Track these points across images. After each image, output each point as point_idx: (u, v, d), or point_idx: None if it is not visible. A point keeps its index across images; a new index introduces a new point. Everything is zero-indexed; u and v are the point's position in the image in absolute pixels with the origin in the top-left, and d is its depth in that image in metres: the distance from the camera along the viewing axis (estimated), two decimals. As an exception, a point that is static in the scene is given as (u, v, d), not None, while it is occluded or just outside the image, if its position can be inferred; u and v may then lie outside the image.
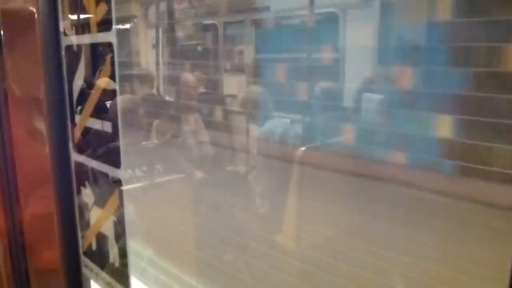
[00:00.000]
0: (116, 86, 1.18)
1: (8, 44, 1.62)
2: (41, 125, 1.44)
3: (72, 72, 1.34)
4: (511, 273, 0.96)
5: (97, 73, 1.27)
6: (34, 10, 1.31)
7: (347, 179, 1.68)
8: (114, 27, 1.15)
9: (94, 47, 1.30)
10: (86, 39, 1.27)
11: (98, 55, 1.36)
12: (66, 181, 1.38)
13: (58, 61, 1.29)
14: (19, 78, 1.64)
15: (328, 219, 1.71)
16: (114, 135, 1.23)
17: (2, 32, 1.61)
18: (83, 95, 1.32)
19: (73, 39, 1.33)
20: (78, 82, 1.31)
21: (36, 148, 1.56)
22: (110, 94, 1.25)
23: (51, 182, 1.41)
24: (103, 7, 1.20)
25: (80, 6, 1.27)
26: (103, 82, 1.22)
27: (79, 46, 1.31)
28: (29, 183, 1.76)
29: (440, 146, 1.47)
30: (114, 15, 1.14)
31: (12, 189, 1.80)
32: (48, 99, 1.33)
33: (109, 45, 1.17)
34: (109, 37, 1.15)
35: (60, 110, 1.31)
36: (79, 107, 1.35)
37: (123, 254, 1.33)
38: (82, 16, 1.27)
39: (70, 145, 1.35)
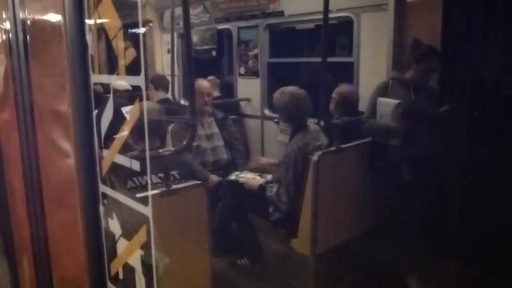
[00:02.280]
0: (145, 126, 1.20)
1: (34, 58, 1.66)
2: (67, 143, 1.46)
3: (100, 108, 1.37)
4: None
5: (126, 114, 1.29)
6: (62, 29, 1.33)
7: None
8: (143, 72, 1.16)
9: (122, 88, 1.33)
10: (114, 79, 1.29)
11: (126, 96, 1.40)
12: (93, 213, 1.39)
13: (87, 97, 1.31)
14: (45, 92, 1.67)
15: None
16: (143, 172, 1.26)
17: (28, 46, 1.65)
18: (111, 132, 1.34)
19: (102, 78, 1.35)
20: (106, 120, 1.33)
21: (62, 163, 1.58)
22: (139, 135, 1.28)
23: (78, 211, 1.43)
24: (132, 52, 1.22)
25: (109, 47, 1.29)
26: (130, 124, 1.24)
27: (107, 85, 1.34)
28: (55, 199, 1.78)
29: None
30: (143, 61, 1.15)
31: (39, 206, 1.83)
32: (77, 135, 1.34)
33: (138, 89, 1.18)
34: (138, 81, 1.15)
35: (89, 145, 1.32)
36: (107, 142, 1.37)
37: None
38: (111, 57, 1.30)
39: (98, 177, 1.37)
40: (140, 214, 1.26)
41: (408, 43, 3.02)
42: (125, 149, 1.27)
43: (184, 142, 1.95)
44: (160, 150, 2.10)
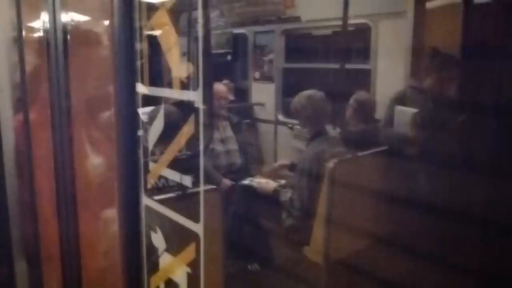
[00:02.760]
0: (200, 146, 1.16)
1: (74, 60, 1.63)
2: (109, 150, 1.42)
3: (151, 119, 1.32)
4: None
5: (179, 129, 1.23)
6: (108, 34, 1.30)
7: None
8: (201, 88, 1.09)
9: (175, 102, 1.29)
10: (167, 93, 1.24)
11: (180, 111, 1.34)
12: (134, 224, 1.35)
13: (132, 107, 1.26)
14: (84, 96, 1.64)
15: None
16: (195, 189, 1.22)
17: (69, 48, 1.61)
18: (160, 145, 1.29)
19: (152, 89, 1.29)
20: (155, 132, 1.28)
21: (101, 169, 1.55)
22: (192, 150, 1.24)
23: (117, 221, 1.40)
24: (189, 67, 1.18)
25: (162, 58, 1.26)
26: (184, 139, 1.19)
27: (158, 98, 1.30)
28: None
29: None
30: (202, 77, 1.08)
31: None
32: (120, 145, 1.30)
33: (192, 104, 1.12)
34: (195, 96, 1.09)
35: (132, 156, 1.28)
36: (155, 154, 1.33)
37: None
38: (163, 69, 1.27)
39: (142, 189, 1.32)
40: (190, 231, 1.23)
41: (427, 51, 2.99)
42: (174, 164, 1.24)
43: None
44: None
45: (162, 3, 1.20)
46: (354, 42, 4.26)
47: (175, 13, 1.20)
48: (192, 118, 1.19)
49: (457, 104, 2.90)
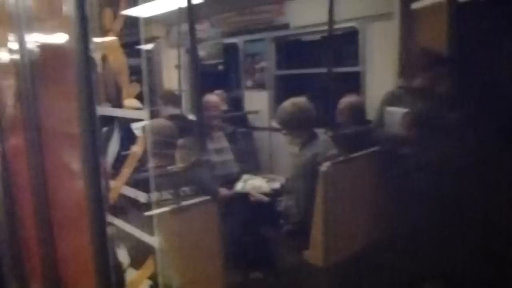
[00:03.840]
0: (150, 160, 1.22)
1: (42, 81, 1.65)
2: (76, 169, 1.46)
3: (106, 140, 1.38)
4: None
5: (131, 147, 1.29)
6: (69, 55, 1.33)
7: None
8: (147, 106, 1.16)
9: (127, 121, 1.33)
10: (119, 112, 1.29)
11: (131, 130, 1.40)
12: (103, 241, 1.39)
13: (93, 127, 1.31)
14: (52, 116, 1.67)
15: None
16: (149, 204, 1.26)
17: (36, 70, 1.64)
18: (117, 164, 1.35)
19: (107, 110, 1.35)
20: (112, 152, 1.34)
21: (71, 189, 1.58)
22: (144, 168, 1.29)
23: (88, 238, 1.44)
24: (135, 87, 1.23)
25: (114, 81, 1.31)
26: (135, 157, 1.24)
27: (112, 118, 1.35)
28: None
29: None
30: (147, 96, 1.14)
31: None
32: (85, 163, 1.34)
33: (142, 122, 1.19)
34: (142, 115, 1.15)
35: (97, 174, 1.32)
36: (114, 172, 1.38)
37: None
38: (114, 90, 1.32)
39: (105, 207, 1.37)
40: (146, 244, 1.27)
41: (415, 51, 3.02)
42: (131, 181, 1.28)
43: (193, 158, 1.97)
44: (169, 167, 2.12)
45: (111, 28, 1.25)
46: (343, 46, 4.30)
47: (123, 36, 1.25)
48: (141, 138, 1.24)
49: (446, 102, 2.93)
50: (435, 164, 2.71)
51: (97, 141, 1.27)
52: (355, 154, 2.76)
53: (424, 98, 2.81)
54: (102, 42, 1.28)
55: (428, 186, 2.72)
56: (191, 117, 4.64)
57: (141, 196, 1.25)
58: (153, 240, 1.24)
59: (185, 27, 4.45)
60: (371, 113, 3.04)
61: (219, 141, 3.47)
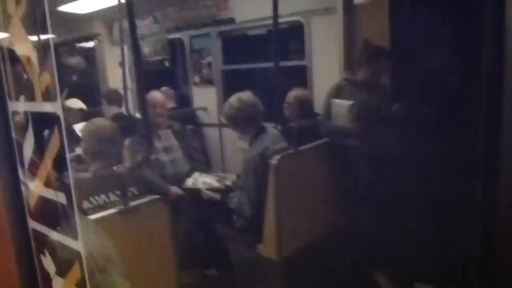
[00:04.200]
0: (67, 156, 1.11)
1: None
2: None
3: (21, 138, 1.26)
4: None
5: (46, 144, 1.18)
6: None
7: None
8: (59, 98, 1.06)
9: (41, 115, 1.21)
10: (31, 106, 1.17)
11: (45, 125, 1.27)
12: (25, 247, 1.29)
13: (6, 126, 1.20)
14: None
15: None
16: (69, 205, 1.15)
17: None
18: (34, 164, 1.24)
19: (19, 105, 1.24)
20: (28, 152, 1.22)
21: None
22: (61, 165, 1.18)
23: (10, 251, 1.33)
24: (46, 76, 1.12)
25: (24, 72, 1.19)
26: (51, 154, 1.14)
27: (25, 113, 1.23)
28: None
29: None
30: (58, 87, 1.05)
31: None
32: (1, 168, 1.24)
33: (55, 116, 1.08)
34: (55, 107, 1.05)
35: (14, 178, 1.23)
36: (31, 174, 1.27)
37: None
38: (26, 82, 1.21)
39: (26, 212, 1.26)
40: (71, 249, 1.18)
41: (358, 44, 3.10)
42: (49, 181, 1.19)
43: (141, 157, 1.90)
44: (114, 167, 2.04)
45: (15, 11, 1.15)
46: (289, 40, 4.34)
47: (28, 19, 1.16)
48: (56, 131, 1.15)
49: (389, 94, 3.03)
50: (380, 154, 2.81)
51: (12, 140, 1.18)
52: (304, 147, 2.80)
53: (368, 90, 2.90)
54: (7, 30, 1.18)
55: (374, 176, 2.81)
56: (137, 115, 4.52)
57: (61, 198, 1.17)
58: (78, 245, 1.17)
59: (126, 23, 4.34)
60: (318, 106, 3.09)
61: (167, 139, 3.39)
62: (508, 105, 1.05)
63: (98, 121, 2.38)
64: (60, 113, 1.09)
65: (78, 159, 2.49)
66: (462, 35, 2.81)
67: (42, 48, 1.13)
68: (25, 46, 1.15)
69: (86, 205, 1.81)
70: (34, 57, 1.13)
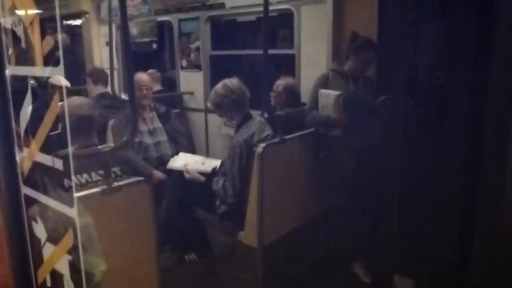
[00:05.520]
0: (67, 121, 1.12)
1: None
2: None
3: (18, 103, 1.24)
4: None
5: (44, 110, 1.17)
6: None
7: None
8: (62, 63, 1.05)
9: (40, 80, 1.18)
10: (32, 71, 1.16)
11: (45, 89, 1.24)
12: (17, 216, 1.27)
13: (2, 89, 1.17)
14: None
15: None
16: (66, 172, 1.15)
17: None
18: (31, 128, 1.22)
19: (19, 70, 1.21)
20: (25, 115, 1.20)
21: None
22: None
23: (1, 214, 1.32)
24: (49, 41, 1.11)
25: (25, 35, 1.17)
26: (50, 119, 1.13)
27: (24, 77, 1.21)
28: None
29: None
30: (61, 51, 1.04)
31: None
32: None
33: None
34: (57, 72, 1.05)
35: (8, 143, 1.20)
36: (28, 139, 1.26)
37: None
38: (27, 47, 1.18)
39: (19, 177, 1.25)
40: (65, 216, 1.19)
41: (346, 35, 3.10)
42: (47, 147, 1.18)
43: (125, 138, 1.88)
44: (99, 147, 2.02)
45: None
46: (278, 28, 4.32)
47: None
48: (57, 96, 1.15)
49: (376, 86, 3.05)
50: (364, 145, 2.83)
51: (8, 105, 1.16)
52: (290, 136, 2.81)
53: (355, 81, 2.91)
54: None
55: (357, 166, 2.84)
56: (122, 96, 4.46)
57: (58, 163, 1.16)
58: (72, 212, 1.17)
59: (115, 2, 4.27)
60: (305, 96, 3.09)
61: (152, 122, 3.36)
62: (492, 97, 1.07)
63: (76, 99, 2.35)
64: (62, 78, 1.09)
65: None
66: (451, 28, 2.84)
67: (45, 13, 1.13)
68: (29, 11, 1.14)
69: (67, 183, 1.79)
70: (37, 22, 1.12)
